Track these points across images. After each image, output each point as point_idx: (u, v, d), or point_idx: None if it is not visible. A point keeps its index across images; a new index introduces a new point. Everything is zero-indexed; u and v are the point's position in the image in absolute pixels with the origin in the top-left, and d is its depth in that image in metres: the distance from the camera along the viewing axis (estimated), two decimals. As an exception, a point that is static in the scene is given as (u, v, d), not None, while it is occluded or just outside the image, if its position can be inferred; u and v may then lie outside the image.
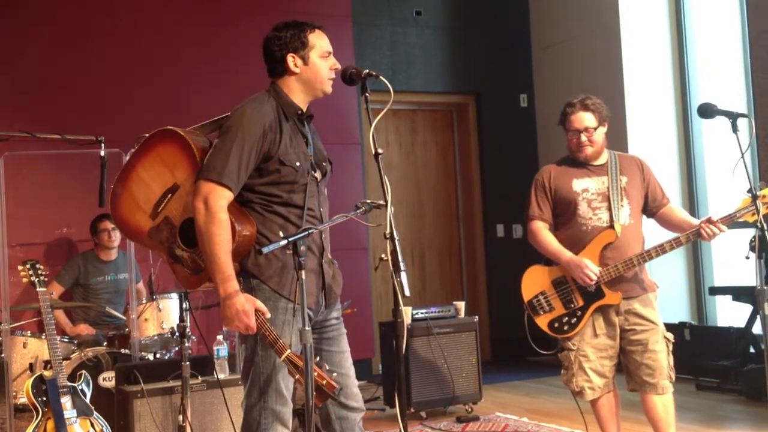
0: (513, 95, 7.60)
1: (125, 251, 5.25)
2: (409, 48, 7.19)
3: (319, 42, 2.75)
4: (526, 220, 3.69)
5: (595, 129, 3.53)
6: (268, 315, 2.55)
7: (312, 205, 2.71)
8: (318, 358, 2.49)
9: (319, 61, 2.74)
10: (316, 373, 2.41)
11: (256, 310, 2.53)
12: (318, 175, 2.76)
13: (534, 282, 3.61)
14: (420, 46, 7.24)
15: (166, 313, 4.88)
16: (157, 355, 4.79)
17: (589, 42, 6.89)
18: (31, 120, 5.06)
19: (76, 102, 5.68)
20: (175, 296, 4.87)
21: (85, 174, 5.00)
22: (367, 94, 2.67)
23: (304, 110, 2.77)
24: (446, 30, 7.38)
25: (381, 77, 2.67)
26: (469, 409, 5.10)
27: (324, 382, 2.42)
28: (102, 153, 4.53)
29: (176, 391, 3.85)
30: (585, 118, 3.53)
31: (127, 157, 3.82)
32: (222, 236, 2.51)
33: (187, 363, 3.73)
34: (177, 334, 4.62)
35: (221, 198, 2.54)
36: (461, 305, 5.32)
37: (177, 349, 4.75)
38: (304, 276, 2.42)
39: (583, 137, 3.53)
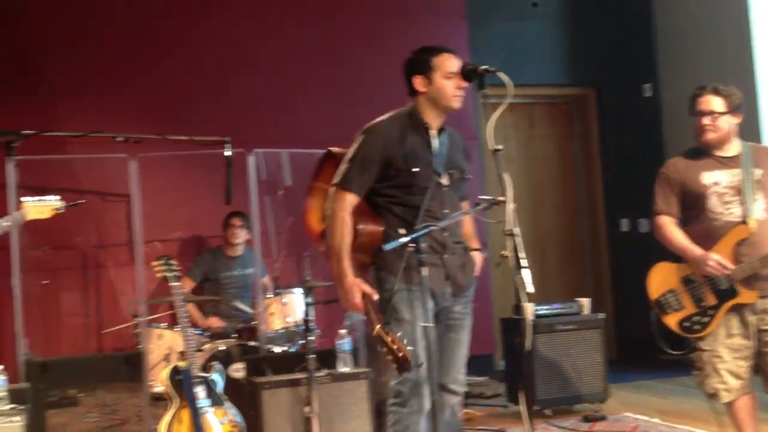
0: (636, 85, 7.34)
1: (251, 247, 5.43)
2: (524, 40, 7.06)
3: (443, 64, 2.99)
4: (651, 214, 3.57)
5: (721, 114, 3.36)
6: (375, 297, 2.86)
7: (432, 206, 2.96)
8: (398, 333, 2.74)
9: (442, 81, 2.98)
10: (395, 346, 2.63)
11: (364, 294, 2.84)
12: (444, 180, 3.00)
13: (662, 279, 3.49)
14: (536, 37, 7.10)
15: (291, 307, 5.01)
16: (283, 348, 4.94)
17: (717, 26, 6.57)
18: (161, 122, 5.29)
19: (204, 105, 5.90)
20: (298, 291, 5.00)
21: (212, 173, 5.19)
22: (484, 90, 2.74)
23: (434, 125, 3.03)
24: (563, 20, 7.22)
25: (499, 73, 2.67)
26: (597, 409, 4.98)
27: (401, 354, 2.63)
28: (228, 153, 4.73)
29: (302, 383, 3.96)
30: (712, 101, 3.36)
31: (252, 157, 4.54)
32: (339, 230, 2.91)
33: (313, 356, 3.84)
34: (302, 327, 4.74)
35: (342, 200, 2.95)
36: (586, 302, 5.20)
37: (302, 342, 4.87)
38: (426, 272, 2.66)
39: (706, 120, 3.36)
